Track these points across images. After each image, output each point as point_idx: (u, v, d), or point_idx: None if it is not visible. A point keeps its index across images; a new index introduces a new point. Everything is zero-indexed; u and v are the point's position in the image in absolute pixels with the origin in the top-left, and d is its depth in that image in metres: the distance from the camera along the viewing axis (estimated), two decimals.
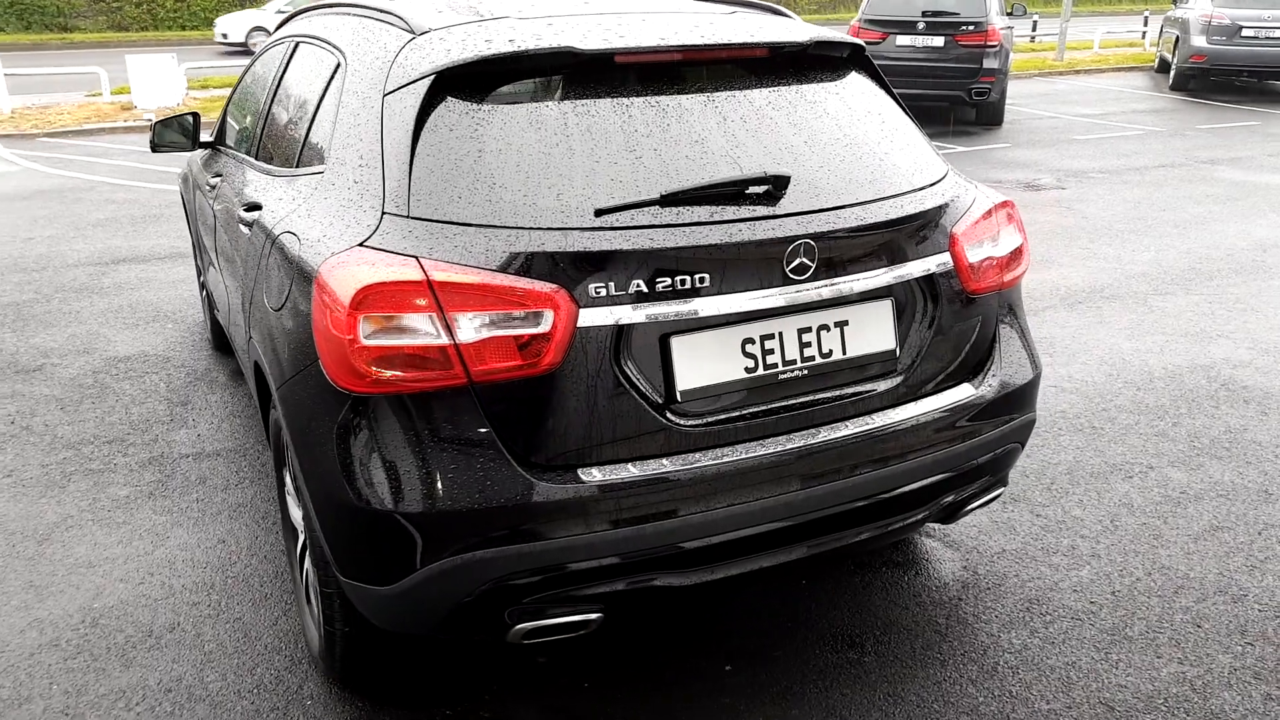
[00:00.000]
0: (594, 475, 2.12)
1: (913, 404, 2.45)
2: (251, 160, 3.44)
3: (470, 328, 2.04)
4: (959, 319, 2.53)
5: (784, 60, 2.56)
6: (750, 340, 2.24)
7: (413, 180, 2.17)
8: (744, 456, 2.22)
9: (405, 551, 2.09)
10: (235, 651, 2.80)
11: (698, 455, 2.20)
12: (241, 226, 3.08)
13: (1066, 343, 5.16)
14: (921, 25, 11.85)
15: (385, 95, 2.36)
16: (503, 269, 2.06)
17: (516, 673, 2.70)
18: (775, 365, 2.27)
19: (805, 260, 2.22)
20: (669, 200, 2.16)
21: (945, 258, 2.47)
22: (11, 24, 29.38)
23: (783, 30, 2.60)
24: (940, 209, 2.47)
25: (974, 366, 2.61)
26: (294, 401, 2.30)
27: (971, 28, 11.72)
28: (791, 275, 2.22)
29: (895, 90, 2.79)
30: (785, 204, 2.24)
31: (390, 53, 2.48)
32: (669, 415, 2.18)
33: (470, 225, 2.10)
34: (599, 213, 2.12)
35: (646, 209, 2.15)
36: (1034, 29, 23.79)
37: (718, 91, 2.41)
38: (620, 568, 2.17)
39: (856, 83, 2.64)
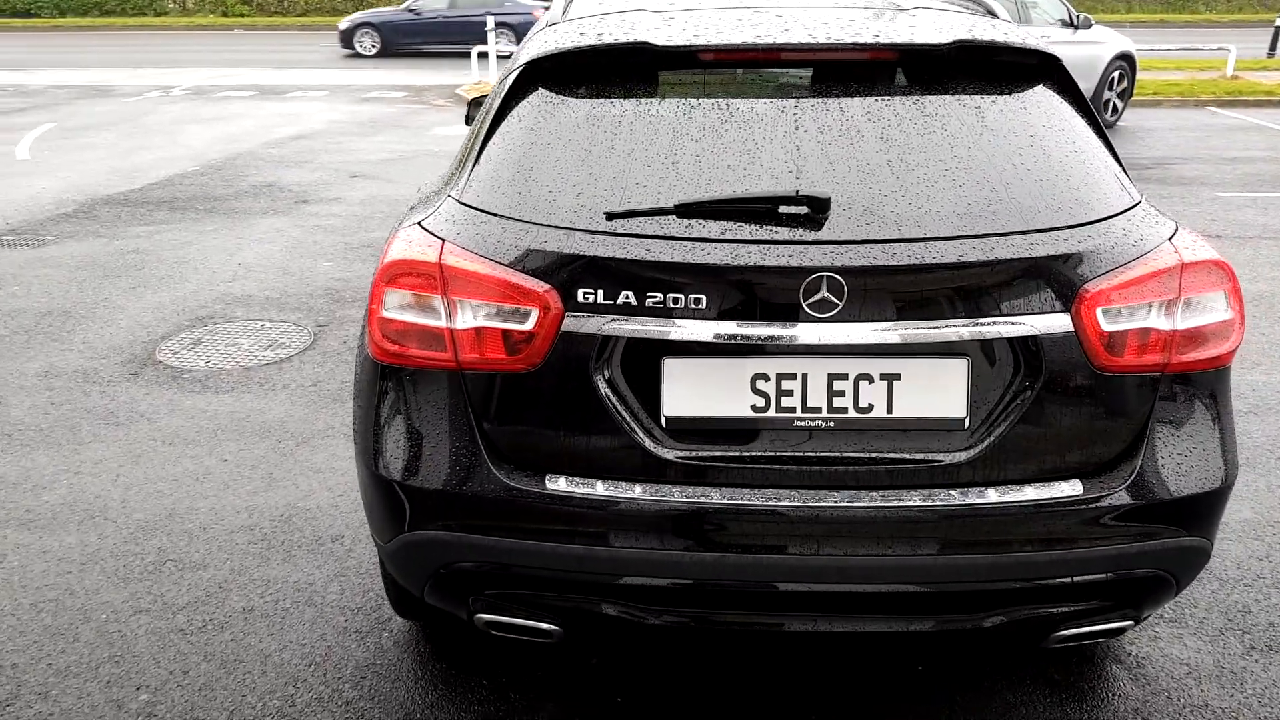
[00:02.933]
0: (559, 484, 2.05)
1: (979, 490, 2.03)
2: None
3: (466, 315, 2.06)
4: (1080, 398, 2.03)
5: (924, 66, 2.20)
6: (763, 377, 2.00)
7: (477, 166, 2.22)
8: (730, 503, 2.00)
9: (395, 516, 2.18)
10: (364, 573, 3.11)
11: (674, 489, 2.02)
12: None
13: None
14: None
15: (500, 81, 2.43)
16: (506, 262, 2.04)
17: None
18: (792, 410, 2.01)
19: (829, 296, 1.93)
20: (685, 211, 1.99)
21: (1062, 320, 1.99)
22: None
23: (932, 31, 2.23)
24: (1068, 257, 1.99)
25: (1099, 461, 2.08)
26: (356, 362, 2.49)
27: None
28: (811, 311, 1.94)
29: None
30: (820, 230, 1.95)
31: (528, 39, 2.55)
32: (650, 440, 2.03)
33: (498, 215, 2.10)
34: (610, 216, 2.02)
35: (660, 218, 2.00)
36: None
37: (810, 98, 2.15)
38: (568, 584, 2.08)
39: (1029, 98, 2.19)
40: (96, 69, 17.79)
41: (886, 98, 2.16)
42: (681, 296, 1.96)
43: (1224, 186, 8.71)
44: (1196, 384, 2.12)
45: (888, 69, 2.23)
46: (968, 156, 2.07)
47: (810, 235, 1.95)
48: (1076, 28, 11.31)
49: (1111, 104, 11.88)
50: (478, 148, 2.24)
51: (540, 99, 2.22)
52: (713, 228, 1.98)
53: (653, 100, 2.16)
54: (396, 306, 2.11)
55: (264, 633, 2.85)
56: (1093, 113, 2.25)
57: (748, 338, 1.96)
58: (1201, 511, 2.12)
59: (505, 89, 2.28)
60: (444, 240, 2.12)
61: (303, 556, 3.20)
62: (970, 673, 2.69)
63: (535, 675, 2.67)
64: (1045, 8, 11.63)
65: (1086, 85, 10.92)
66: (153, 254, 6.64)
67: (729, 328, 1.96)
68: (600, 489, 2.03)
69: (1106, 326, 2.00)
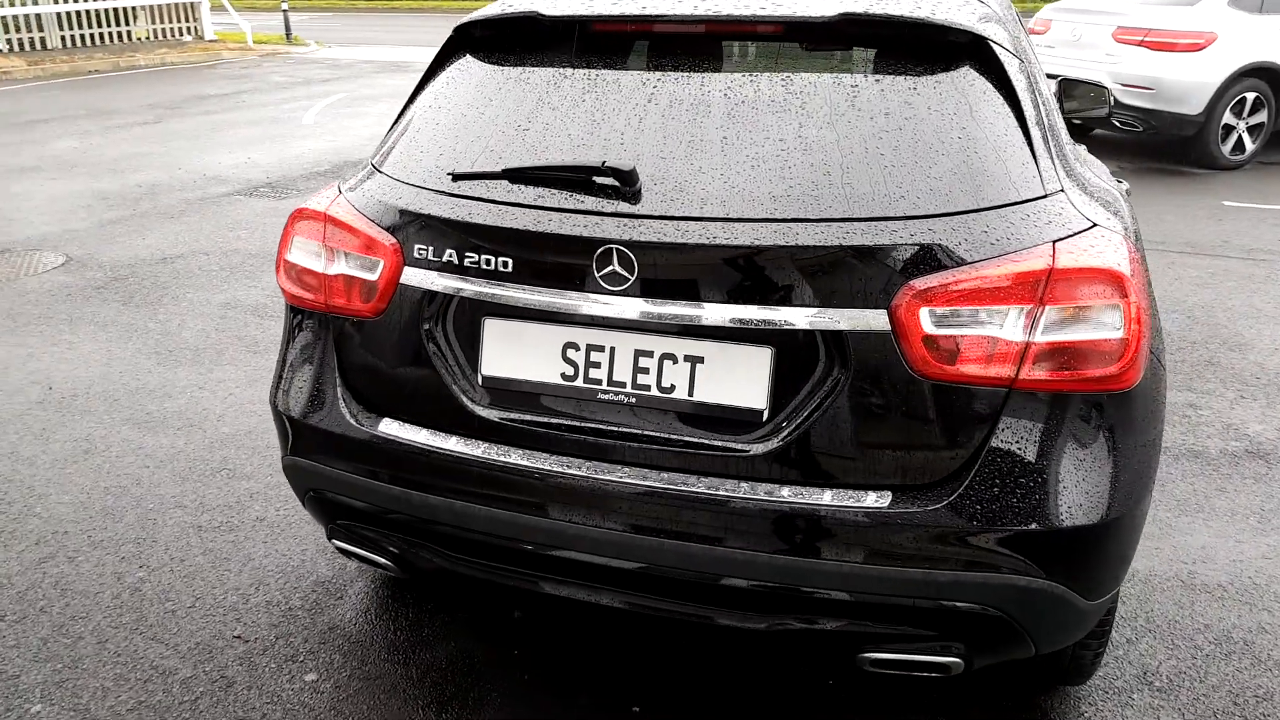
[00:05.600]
0: (391, 428, 2.18)
1: (772, 487, 1.93)
2: None
3: (339, 262, 2.23)
4: (895, 406, 1.88)
5: (811, 41, 2.11)
6: (574, 346, 2.02)
7: (391, 131, 2.39)
8: (529, 465, 2.04)
9: (282, 439, 2.40)
10: None
11: (483, 446, 2.09)
12: None
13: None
14: None
15: None
16: (370, 216, 2.19)
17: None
18: (598, 382, 2.02)
19: (620, 270, 1.92)
20: (514, 176, 2.04)
21: (877, 318, 1.85)
22: None
23: (824, 4, 2.09)
24: (893, 250, 1.85)
25: (919, 477, 1.91)
26: None
27: None
28: (603, 283, 1.93)
29: None
30: (621, 203, 1.94)
31: None
32: (468, 397, 2.11)
33: (384, 174, 2.26)
34: (455, 178, 2.11)
35: (491, 182, 2.07)
36: None
37: (678, 71, 2.12)
38: (394, 523, 2.20)
39: (928, 77, 2.03)
40: (405, 46, 19.60)
41: (752, 73, 2.09)
42: (493, 259, 2.02)
43: None
44: (1064, 407, 1.89)
45: (774, 43, 2.14)
46: (817, 138, 1.96)
47: (610, 207, 1.95)
48: None
49: (1237, 137, 8.77)
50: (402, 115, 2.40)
51: (451, 68, 2.35)
52: (529, 194, 2.02)
53: (532, 69, 2.22)
54: (294, 250, 2.32)
55: (260, 540, 3.20)
56: (1021, 94, 2.03)
57: (547, 305, 1.99)
58: (1052, 551, 1.90)
59: (433, 58, 2.42)
60: (340, 194, 2.30)
61: None
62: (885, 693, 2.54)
63: (456, 615, 2.83)
64: None
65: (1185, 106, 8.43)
66: None
67: (533, 293, 2.00)
68: (421, 437, 2.14)
69: (932, 330, 1.84)
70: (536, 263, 2.00)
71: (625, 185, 1.95)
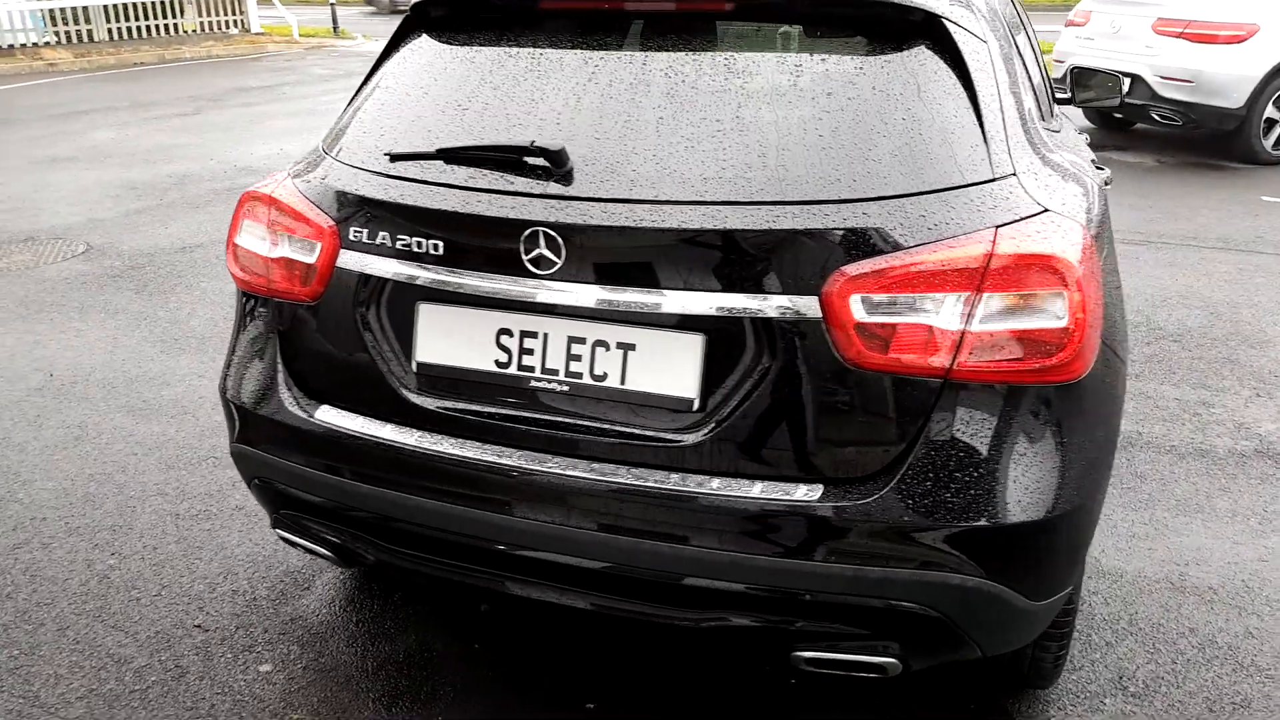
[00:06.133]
0: (327, 414, 2.14)
1: (702, 478, 1.87)
2: None
3: (282, 245, 2.20)
4: (827, 396, 1.81)
5: (763, 19, 2.04)
6: (507, 332, 1.97)
7: (343, 115, 2.35)
8: (461, 454, 1.99)
9: (229, 426, 2.38)
10: None
11: (417, 434, 2.05)
12: None
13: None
14: None
15: None
16: (312, 198, 2.16)
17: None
18: (531, 369, 1.96)
19: (547, 253, 1.86)
20: (447, 157, 2.00)
21: (808, 304, 1.78)
22: None
23: None
24: (826, 235, 1.77)
25: (851, 470, 1.83)
26: None
27: None
28: (531, 267, 1.88)
29: None
30: (550, 185, 1.88)
31: None
32: (403, 384, 2.06)
33: (330, 157, 2.23)
34: (393, 159, 2.07)
35: (426, 163, 2.02)
36: None
37: (622, 50, 2.06)
38: (333, 513, 2.17)
39: (876, 56, 1.95)
40: None
41: (696, 53, 2.02)
42: (424, 242, 1.98)
43: None
44: (1004, 399, 1.81)
45: (722, 21, 2.07)
46: (754, 119, 1.89)
47: (539, 189, 1.89)
48: None
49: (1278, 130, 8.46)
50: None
51: (405, 48, 2.32)
52: (460, 175, 1.98)
53: (479, 49, 2.18)
54: (243, 234, 2.30)
55: (235, 529, 3.19)
56: (977, 75, 1.94)
57: (479, 289, 1.95)
58: (990, 549, 1.81)
59: (390, 38, 2.38)
60: (288, 178, 2.28)
61: None
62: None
63: (422, 608, 2.80)
64: None
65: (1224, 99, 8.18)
66: None
67: (464, 277, 1.96)
68: (357, 424, 2.10)
69: (865, 317, 1.76)
70: (466, 246, 1.95)
71: (555, 166, 1.90)
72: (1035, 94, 2.71)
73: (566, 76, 2.04)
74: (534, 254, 1.87)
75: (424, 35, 2.30)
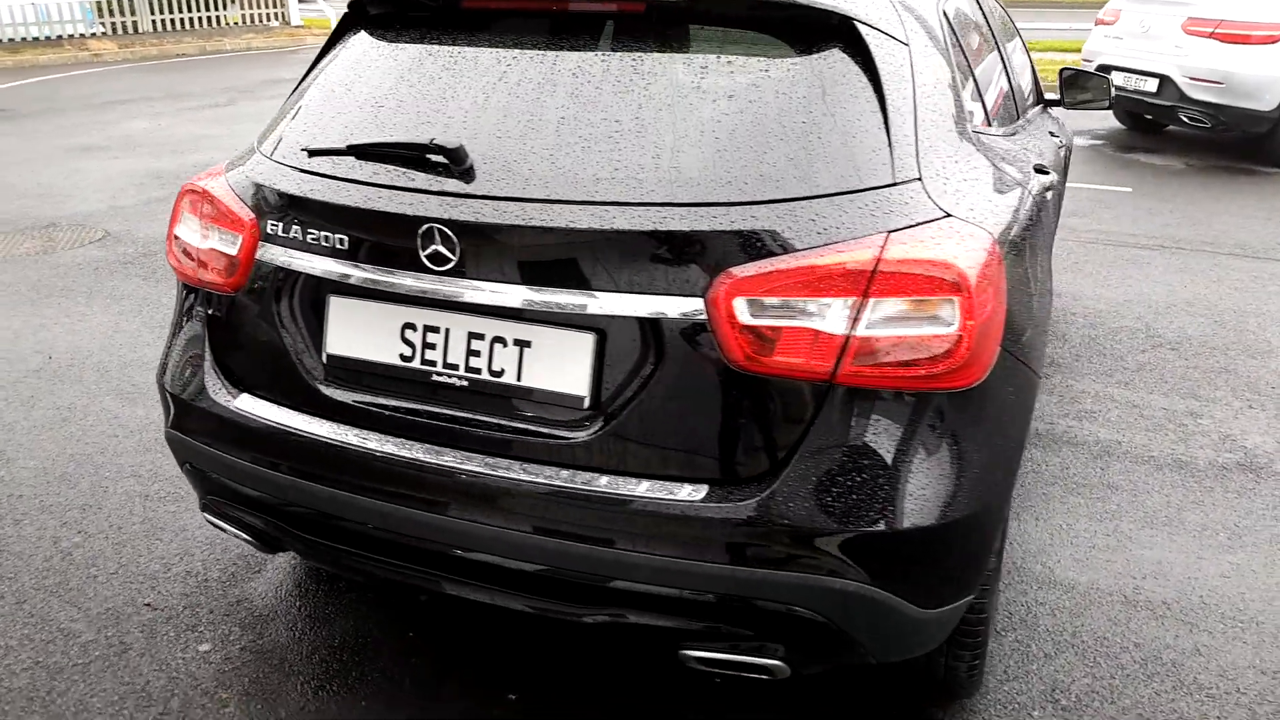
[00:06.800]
0: (247, 403, 2.19)
1: (590, 475, 1.88)
2: None
3: (212, 237, 2.25)
4: (711, 397, 1.81)
5: (675, 19, 2.04)
6: (411, 327, 2.00)
7: (279, 113, 2.40)
8: (362, 446, 2.02)
9: (165, 411, 2.43)
10: None
11: (324, 425, 2.08)
12: None
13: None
14: None
15: None
16: (238, 192, 2.20)
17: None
18: (433, 364, 1.99)
19: (442, 249, 1.88)
20: (357, 153, 2.03)
21: (694, 306, 1.78)
22: None
23: None
24: (714, 237, 1.77)
25: (736, 471, 1.83)
26: None
27: None
28: (427, 263, 1.90)
29: None
30: (448, 181, 1.90)
31: None
32: (314, 375, 2.10)
33: (260, 153, 2.27)
34: (310, 154, 2.11)
35: (338, 159, 2.06)
36: None
37: (540, 50, 2.07)
38: (253, 501, 2.21)
39: (785, 59, 1.95)
40: None
41: (606, 53, 2.02)
42: (332, 236, 2.01)
43: None
44: (892, 405, 1.80)
45: (639, 22, 2.07)
46: (653, 120, 1.90)
47: (437, 185, 1.92)
48: None
49: None
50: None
51: (340, 45, 2.36)
52: (367, 171, 2.00)
53: (404, 46, 2.21)
54: (180, 225, 2.35)
55: (197, 512, 3.25)
56: (888, 78, 1.93)
57: (381, 284, 1.97)
58: (873, 555, 1.80)
59: (329, 34, 2.42)
60: (223, 171, 2.32)
61: None
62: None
63: (365, 595, 2.84)
64: None
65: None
66: None
67: (368, 271, 1.99)
68: (273, 414, 2.14)
69: (750, 320, 1.76)
70: (369, 240, 1.98)
71: (454, 164, 1.92)
72: (991, 97, 2.68)
73: (479, 75, 2.06)
74: (430, 250, 1.90)
75: (361, 32, 2.33)
